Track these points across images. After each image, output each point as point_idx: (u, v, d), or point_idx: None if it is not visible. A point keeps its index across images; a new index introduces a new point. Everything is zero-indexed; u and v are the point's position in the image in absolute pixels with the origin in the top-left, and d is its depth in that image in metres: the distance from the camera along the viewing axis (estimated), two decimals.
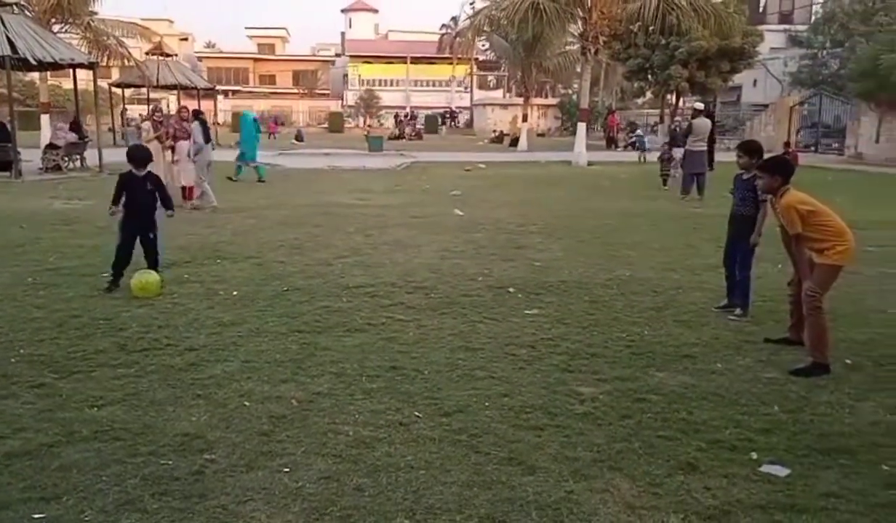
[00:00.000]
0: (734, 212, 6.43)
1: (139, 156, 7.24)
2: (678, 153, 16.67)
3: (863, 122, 28.28)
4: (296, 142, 38.07)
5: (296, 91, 70.13)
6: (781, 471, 3.55)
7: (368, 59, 68.11)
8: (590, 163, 24.42)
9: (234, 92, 66.95)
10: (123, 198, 7.10)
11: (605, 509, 3.19)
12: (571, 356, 5.27)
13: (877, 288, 7.44)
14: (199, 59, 69.03)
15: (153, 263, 7.21)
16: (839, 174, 22.54)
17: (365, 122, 47.93)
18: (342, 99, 66.59)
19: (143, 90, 33.36)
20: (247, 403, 4.29)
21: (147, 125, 13.26)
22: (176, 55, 36.61)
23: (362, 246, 9.51)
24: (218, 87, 49.30)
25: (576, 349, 5.43)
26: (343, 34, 73.51)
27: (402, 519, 3.08)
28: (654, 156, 20.81)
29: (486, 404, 4.36)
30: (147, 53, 32.19)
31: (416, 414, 4.19)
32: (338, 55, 74.01)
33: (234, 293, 6.93)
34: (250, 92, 68.39)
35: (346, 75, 68.56)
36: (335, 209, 13.06)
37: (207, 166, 12.88)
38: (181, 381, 4.63)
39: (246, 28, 79.87)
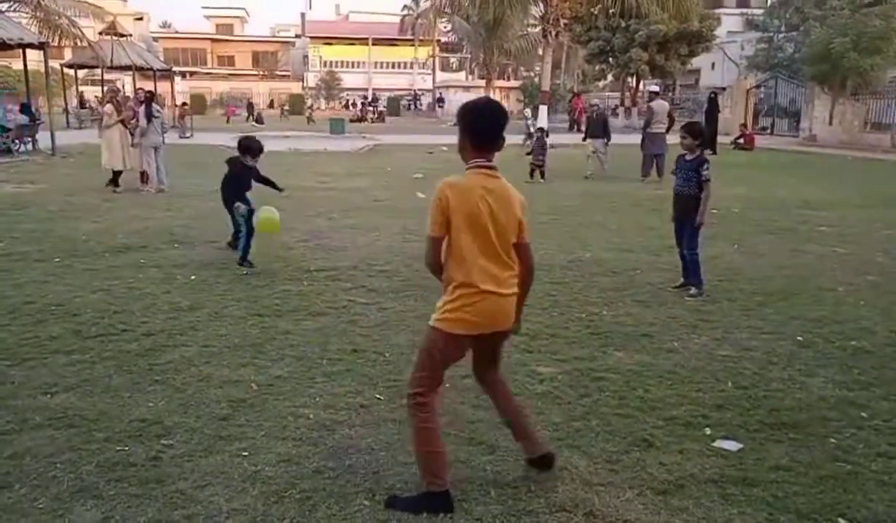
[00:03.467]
0: (677, 192, 6.53)
1: (256, 147, 7.56)
2: (598, 144, 15.98)
3: (817, 104, 28.87)
4: (256, 124, 37.53)
5: (255, 73, 69.03)
6: (734, 446, 3.64)
7: (329, 41, 67.30)
8: (552, 146, 24.49)
9: (192, 73, 65.65)
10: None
11: (563, 486, 3.24)
12: (532, 337, 5.31)
13: (828, 266, 7.63)
14: (155, 39, 67.56)
15: (235, 242, 7.65)
16: (794, 156, 23.02)
17: (311, 106, 45.49)
18: (303, 81, 65.77)
19: (97, 71, 32.48)
20: (205, 388, 4.25)
21: (109, 108, 12.90)
22: (130, 35, 35.67)
23: (323, 229, 9.45)
24: (175, 69, 48.31)
25: (536, 330, 5.47)
26: (303, 15, 72.42)
27: (363, 501, 3.09)
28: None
29: (447, 385, 4.33)
30: (100, 33, 31.30)
31: (377, 396, 4.20)
32: (298, 36, 72.94)
33: (193, 277, 6.84)
34: (208, 73, 67.12)
35: (306, 57, 67.69)
36: (296, 192, 12.88)
37: (155, 149, 12.59)
38: (138, 367, 4.57)
39: (203, 8, 77.98)
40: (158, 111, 12.87)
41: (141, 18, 69.67)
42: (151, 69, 32.73)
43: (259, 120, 39.27)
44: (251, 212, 7.32)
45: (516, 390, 4.29)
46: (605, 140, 16.12)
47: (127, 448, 3.51)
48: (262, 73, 68.74)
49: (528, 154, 15.69)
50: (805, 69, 28.40)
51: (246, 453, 3.48)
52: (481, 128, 3.02)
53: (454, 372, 4.55)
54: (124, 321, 5.48)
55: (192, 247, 8.19)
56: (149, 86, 23.46)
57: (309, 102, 48.94)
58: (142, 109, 12.59)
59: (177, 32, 73.75)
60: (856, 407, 4.13)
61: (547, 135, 16.18)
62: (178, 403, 4.04)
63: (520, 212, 3.05)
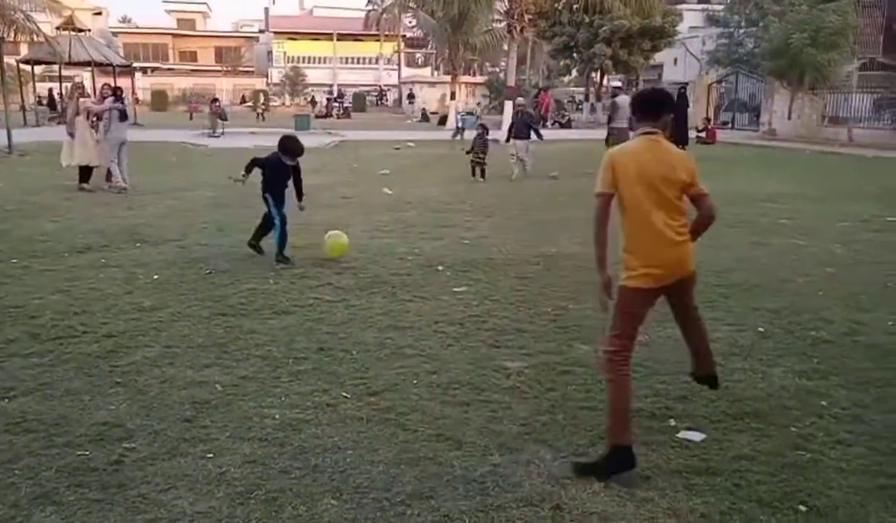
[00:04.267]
0: None
1: (296, 148, 7.61)
2: (521, 145, 14.70)
3: (776, 99, 29.37)
4: (219, 121, 37.01)
5: (219, 68, 68.05)
6: (698, 437, 3.70)
7: (293, 36, 66.60)
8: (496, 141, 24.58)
9: (154, 69, 64.56)
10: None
11: (529, 481, 3.26)
12: (499, 332, 5.34)
13: (788, 258, 7.77)
14: (115, 34, 66.19)
15: (259, 236, 7.63)
16: (754, 150, 23.42)
17: (260, 102, 43.69)
18: (267, 76, 65.07)
19: (55, 67, 31.78)
20: (168, 389, 4.19)
21: (84, 103, 12.55)
22: (89, 30, 34.93)
23: (290, 226, 9.33)
24: (135, 64, 47.46)
25: (503, 325, 5.50)
26: (266, 10, 71.53)
27: (329, 500, 3.07)
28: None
29: (415, 382, 4.38)
30: (58, 28, 30.60)
31: (344, 394, 4.18)
32: (262, 31, 72.07)
33: (155, 277, 6.73)
34: (170, 69, 66.02)
35: (270, 52, 66.97)
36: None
37: (120, 146, 12.36)
38: (98, 369, 4.48)
39: (164, 2, 76.58)
40: (126, 108, 12.59)
41: (100, 13, 68.23)
42: (111, 65, 32.12)
43: (223, 116, 38.71)
44: (279, 213, 7.44)
45: (483, 385, 4.33)
46: (532, 140, 14.94)
47: (88, 452, 3.44)
48: (225, 68, 67.79)
49: (469, 152, 14.84)
50: (764, 64, 28.87)
51: (211, 455, 3.44)
52: (643, 102, 3.61)
53: (421, 368, 4.57)
54: (85, 322, 5.37)
55: (156, 247, 8.06)
56: (109, 82, 22.99)
57: (261, 98, 48.08)
58: (108, 103, 12.30)
59: (137, 27, 72.31)
60: (815, 396, 4.21)
61: (487, 133, 15.12)
62: (140, 406, 3.98)
63: (685, 167, 3.45)
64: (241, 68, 68.40)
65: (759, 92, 32.78)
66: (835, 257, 7.83)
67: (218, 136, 26.73)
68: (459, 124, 24.33)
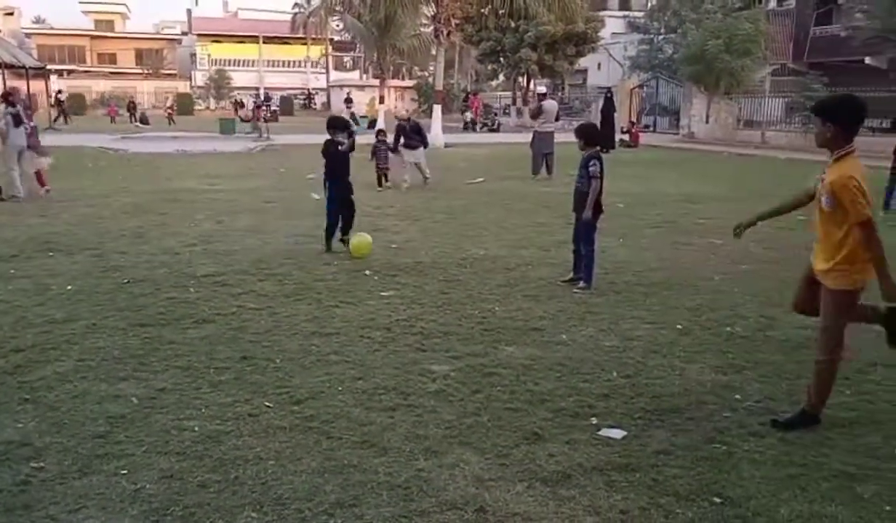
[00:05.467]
0: (575, 188, 6.75)
1: (339, 124, 8.31)
2: (414, 155, 13.82)
3: (694, 103, 30.36)
4: (139, 125, 35.93)
5: (139, 71, 65.98)
6: (618, 434, 3.77)
7: (218, 38, 65.23)
8: (447, 145, 24.71)
9: (70, 71, 62.12)
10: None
11: (454, 484, 3.26)
12: (425, 336, 5.33)
13: (706, 257, 8.04)
14: (28, 35, 63.47)
15: (349, 223, 8.17)
16: (674, 152, 24.16)
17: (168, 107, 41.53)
18: (191, 79, 63.49)
19: None
20: (81, 405, 4.02)
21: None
22: (0, 31, 33.39)
23: (212, 233, 9.14)
24: (50, 67, 45.55)
25: (430, 328, 5.49)
26: (189, 11, 69.80)
27: (249, 513, 3.00)
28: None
29: (340, 389, 4.33)
30: None
31: (267, 404, 4.09)
32: (184, 33, 70.28)
33: (69, 287, 6.46)
34: (87, 72, 63.65)
35: (194, 54, 65.35)
36: (183, 195, 12.47)
37: (19, 153, 11.76)
38: (5, 385, 4.27)
39: (80, 3, 73.73)
40: (20, 112, 11.90)
41: (11, 13, 65.34)
42: (23, 67, 30.76)
43: (144, 120, 37.58)
44: (337, 199, 8.06)
45: (409, 390, 4.32)
46: (422, 148, 14.09)
47: None
48: (146, 71, 65.76)
49: (371, 159, 14.01)
50: (683, 69, 29.78)
51: (125, 471, 3.32)
52: (859, 119, 3.70)
53: (346, 375, 4.52)
54: None
55: (70, 256, 7.74)
56: (21, 85, 21.99)
57: (169, 102, 46.59)
58: (1, 110, 11.68)
59: (52, 28, 69.42)
60: (730, 390, 4.36)
61: (386, 137, 14.41)
62: (50, 422, 3.80)
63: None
64: (163, 71, 66.53)
65: (678, 96, 33.82)
66: (750, 255, 8.13)
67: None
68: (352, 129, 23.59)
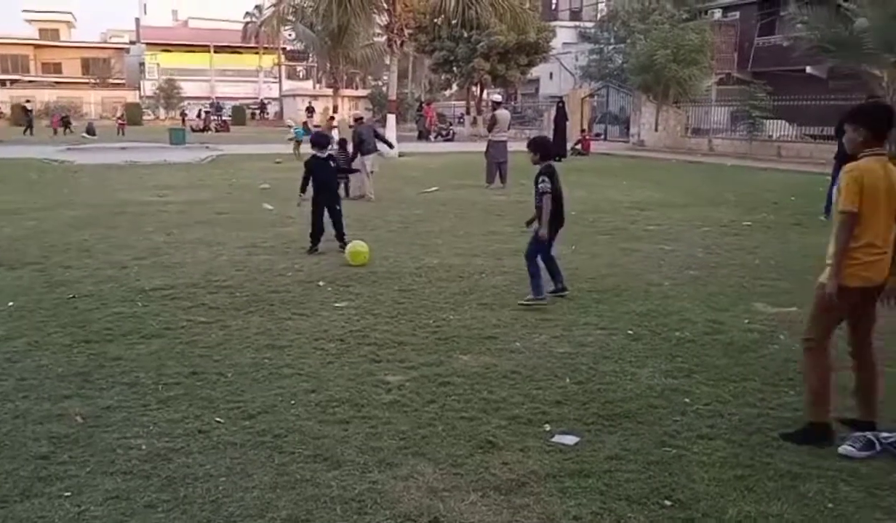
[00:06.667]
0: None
1: (322, 141, 9.03)
2: (368, 161, 13.29)
3: (644, 112, 30.96)
4: (86, 135, 35.06)
5: (86, 81, 64.49)
6: (571, 440, 3.81)
7: (167, 48, 64.28)
8: (401, 155, 24.71)
9: (13, 81, 60.44)
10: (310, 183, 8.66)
11: (408, 495, 3.24)
12: (380, 346, 5.31)
13: (655, 263, 8.17)
14: None
15: (340, 232, 8.74)
16: (625, 160, 24.56)
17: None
18: (140, 89, 62.32)
19: None
20: (22, 425, 3.89)
21: None
22: None
23: (162, 245, 8.97)
24: None
25: (384, 339, 5.47)
26: (137, 20, 68.60)
27: None
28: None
29: (292, 402, 4.28)
30: None
31: (218, 419, 4.02)
32: (133, 42, 68.98)
33: (10, 304, 6.26)
34: (31, 81, 61.98)
35: (142, 64, 64.19)
36: (132, 207, 12.22)
37: None
38: None
39: (24, 11, 71.86)
40: None
41: None
42: None
43: (90, 131, 36.68)
44: (322, 207, 8.65)
45: (363, 401, 4.29)
46: (378, 153, 13.85)
47: None
48: (93, 81, 64.31)
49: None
50: (632, 79, 30.32)
51: (69, 493, 3.22)
52: (888, 125, 3.76)
53: (299, 388, 4.47)
54: None
55: (12, 271, 7.51)
56: None
57: (119, 112, 44.97)
58: None
59: None
60: (679, 394, 4.44)
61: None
62: None
63: None
64: (110, 81, 65.17)
65: (628, 105, 34.40)
66: (697, 261, 8.30)
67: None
68: (295, 137, 23.05)
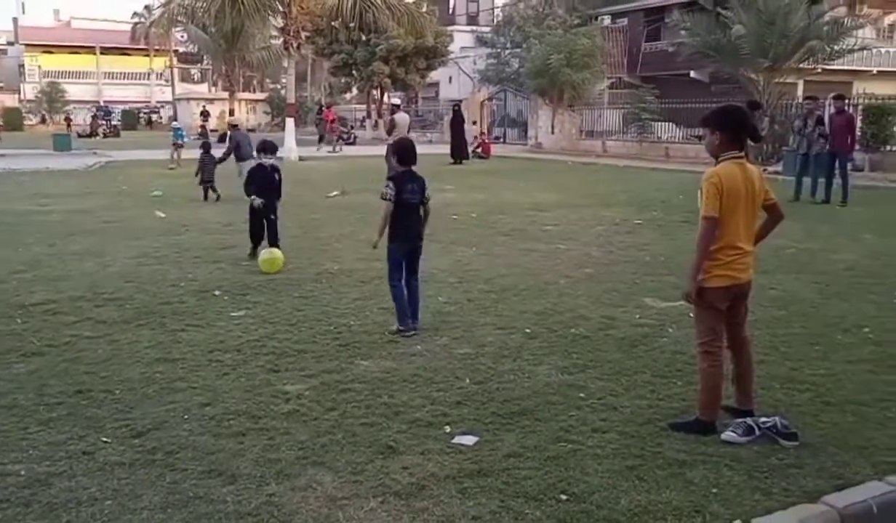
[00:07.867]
0: None
1: (270, 147, 8.59)
2: (245, 167, 11.72)
3: (540, 115, 31.72)
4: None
5: None
6: (471, 440, 3.84)
7: (49, 49, 60.85)
8: (301, 159, 24.33)
9: None
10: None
11: (306, 506, 3.19)
12: (278, 355, 5.20)
13: (552, 262, 8.38)
14: None
15: (274, 240, 8.37)
16: (523, 162, 25.09)
17: None
18: (20, 93, 58.74)
19: None
20: None
21: None
22: None
23: (43, 257, 8.48)
24: None
25: (283, 347, 5.37)
26: (15, 20, 64.59)
27: None
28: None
29: (185, 417, 4.13)
30: None
31: (104, 439, 3.83)
32: (11, 43, 64.93)
33: None
34: None
35: (22, 66, 60.54)
36: (9, 217, 11.51)
37: None
38: None
39: None
40: None
41: None
42: None
43: None
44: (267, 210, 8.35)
45: (260, 413, 4.19)
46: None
47: None
48: None
49: (197, 174, 13.94)
50: (528, 83, 31.05)
51: None
52: (741, 127, 3.94)
53: (193, 402, 4.32)
54: None
55: None
56: None
57: None
58: None
59: None
60: (575, 389, 4.56)
61: (208, 149, 14.15)
62: None
63: (760, 184, 3.91)
64: None
65: (525, 108, 35.17)
66: (592, 259, 8.57)
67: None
68: (175, 140, 22.33)
